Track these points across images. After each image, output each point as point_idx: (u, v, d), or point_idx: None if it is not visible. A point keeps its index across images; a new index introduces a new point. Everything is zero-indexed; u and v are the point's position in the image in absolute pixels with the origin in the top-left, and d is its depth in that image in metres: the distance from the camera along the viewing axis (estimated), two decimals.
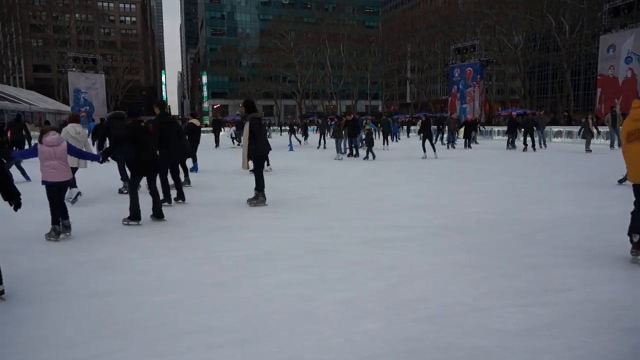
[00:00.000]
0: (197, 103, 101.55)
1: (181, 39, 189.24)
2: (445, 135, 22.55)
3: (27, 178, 10.43)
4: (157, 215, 6.45)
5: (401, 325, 3.11)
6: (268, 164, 11.84)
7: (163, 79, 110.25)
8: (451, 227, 5.93)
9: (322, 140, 23.27)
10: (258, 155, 7.31)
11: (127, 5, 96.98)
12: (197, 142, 11.65)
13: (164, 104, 8.60)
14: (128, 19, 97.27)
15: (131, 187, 6.27)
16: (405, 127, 38.66)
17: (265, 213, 7.01)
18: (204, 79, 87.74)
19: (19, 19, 71.53)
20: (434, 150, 16.28)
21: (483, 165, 13.90)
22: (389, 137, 22.37)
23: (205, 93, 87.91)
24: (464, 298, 3.57)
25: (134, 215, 6.18)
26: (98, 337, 2.98)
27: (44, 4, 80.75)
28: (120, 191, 9.07)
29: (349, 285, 3.90)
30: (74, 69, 46.40)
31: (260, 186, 7.52)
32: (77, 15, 78.50)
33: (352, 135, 17.01)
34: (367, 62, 72.58)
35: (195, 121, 12.11)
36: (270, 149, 7.63)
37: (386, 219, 6.46)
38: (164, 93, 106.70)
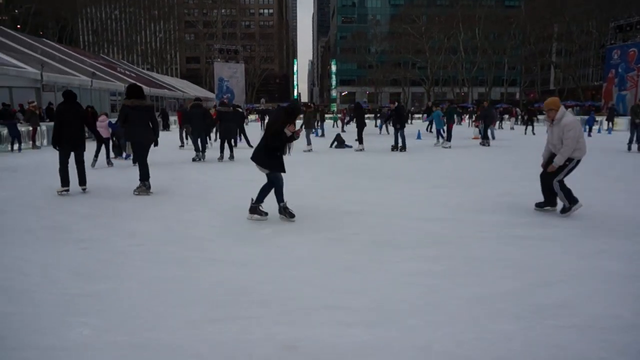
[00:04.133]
0: (326, 90, 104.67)
1: (313, 28, 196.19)
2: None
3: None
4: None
5: (542, 331, 2.85)
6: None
7: (295, 68, 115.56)
8: (600, 228, 5.25)
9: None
10: (133, 142, 7.31)
11: None
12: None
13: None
14: (266, 11, 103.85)
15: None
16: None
17: (390, 200, 6.97)
18: (333, 66, 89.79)
19: (177, 17, 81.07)
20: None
21: None
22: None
23: (333, 81, 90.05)
24: (619, 311, 3.13)
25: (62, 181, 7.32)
26: (241, 301, 3.29)
27: (196, 1, 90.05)
28: (194, 159, 11.86)
29: (480, 281, 3.69)
30: (218, 60, 51.19)
31: (142, 175, 7.31)
32: (223, 11, 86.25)
33: (396, 126, 14.59)
34: (505, 46, 66.98)
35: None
36: (149, 136, 7.32)
37: (523, 214, 5.95)
38: (295, 81, 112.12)
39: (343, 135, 17.54)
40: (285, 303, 3.26)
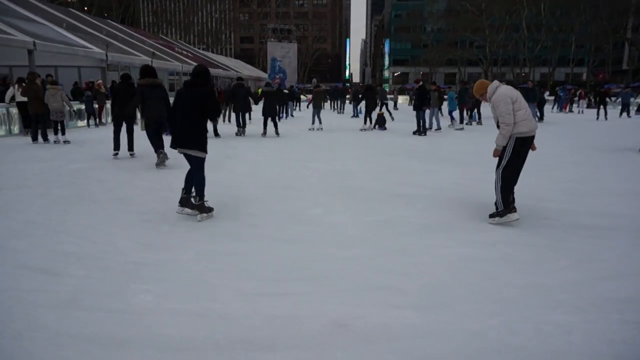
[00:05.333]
0: (378, 71, 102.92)
1: (367, 6, 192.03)
2: None
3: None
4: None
5: (606, 326, 2.70)
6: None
7: (347, 48, 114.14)
8: None
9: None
10: (146, 118, 7.92)
11: None
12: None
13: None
14: None
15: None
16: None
17: (441, 184, 6.79)
18: (387, 46, 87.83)
19: None
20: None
21: None
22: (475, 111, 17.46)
23: (386, 60, 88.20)
24: None
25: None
26: (293, 278, 3.36)
27: None
28: (236, 134, 13.04)
29: (539, 269, 3.54)
30: (272, 39, 51.49)
31: (155, 147, 8.03)
32: None
33: (418, 108, 13.59)
34: (573, 22, 62.46)
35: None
36: (162, 112, 7.70)
37: (588, 203, 5.62)
38: (347, 61, 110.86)
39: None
40: (335, 282, 3.29)
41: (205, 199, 4.81)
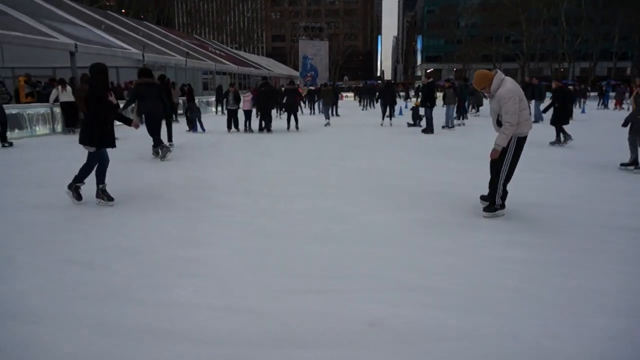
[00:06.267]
0: (410, 68, 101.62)
1: (399, 2, 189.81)
2: None
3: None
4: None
5: None
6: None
7: (379, 45, 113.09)
8: None
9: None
10: (143, 113, 8.31)
11: None
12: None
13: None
14: None
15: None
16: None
17: (479, 182, 6.63)
18: (419, 42, 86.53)
19: None
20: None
21: None
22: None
23: (419, 57, 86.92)
24: None
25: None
26: (327, 276, 3.35)
27: None
28: (261, 129, 13.87)
29: (579, 271, 3.41)
30: (303, 37, 51.69)
31: (156, 141, 8.56)
32: None
33: (425, 105, 13.16)
34: (616, 14, 59.72)
35: None
36: (158, 109, 8.36)
37: (636, 204, 5.37)
38: (379, 58, 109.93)
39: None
40: (369, 280, 3.26)
41: (79, 185, 5.31)
